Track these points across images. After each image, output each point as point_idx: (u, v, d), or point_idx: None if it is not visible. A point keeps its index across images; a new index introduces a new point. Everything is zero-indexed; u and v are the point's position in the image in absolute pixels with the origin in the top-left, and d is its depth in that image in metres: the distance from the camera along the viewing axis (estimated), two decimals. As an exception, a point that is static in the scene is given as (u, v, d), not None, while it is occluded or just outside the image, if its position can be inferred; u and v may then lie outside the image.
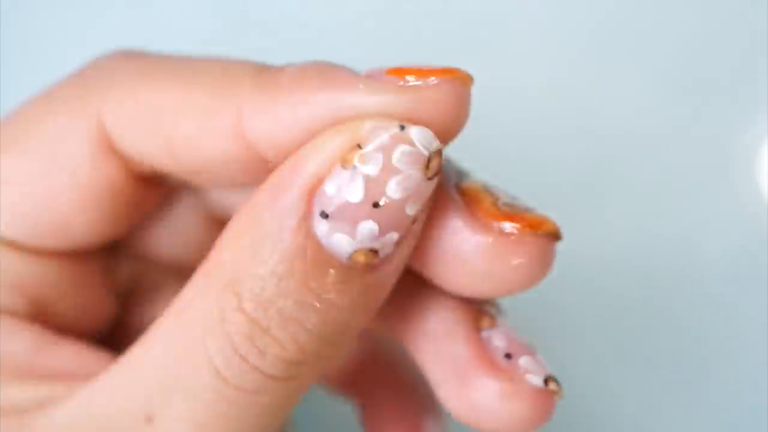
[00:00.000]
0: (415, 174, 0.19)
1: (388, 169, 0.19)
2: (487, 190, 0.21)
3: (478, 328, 0.22)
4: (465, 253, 0.21)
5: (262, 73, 0.21)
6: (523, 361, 0.22)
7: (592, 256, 0.38)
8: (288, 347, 0.19)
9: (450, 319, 0.22)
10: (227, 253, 0.20)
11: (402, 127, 0.19)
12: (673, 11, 0.38)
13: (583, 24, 0.39)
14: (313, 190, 0.19)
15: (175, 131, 0.22)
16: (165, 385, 0.20)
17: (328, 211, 0.19)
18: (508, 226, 0.20)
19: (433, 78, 0.19)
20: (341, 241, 0.19)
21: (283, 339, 0.19)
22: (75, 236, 0.24)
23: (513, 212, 0.21)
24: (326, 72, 0.20)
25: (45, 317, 0.25)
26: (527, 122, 0.39)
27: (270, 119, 0.20)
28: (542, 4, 0.39)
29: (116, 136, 0.23)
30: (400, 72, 0.19)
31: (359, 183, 0.19)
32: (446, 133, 0.19)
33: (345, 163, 0.19)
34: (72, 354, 0.24)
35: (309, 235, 0.19)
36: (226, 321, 0.19)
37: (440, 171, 0.19)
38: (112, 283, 0.27)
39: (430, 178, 0.19)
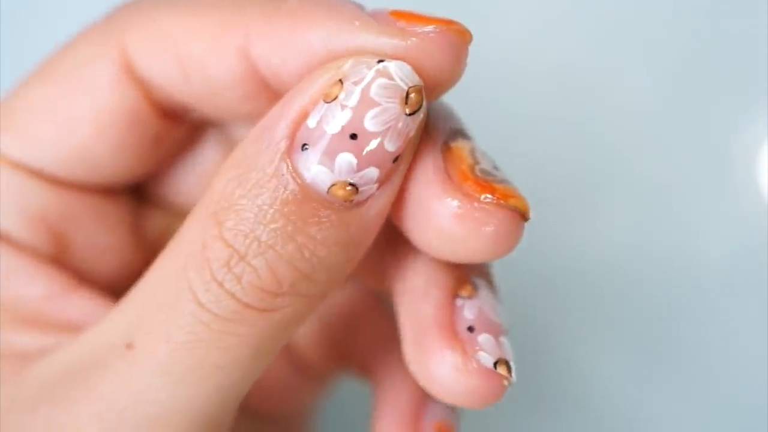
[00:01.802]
0: (393, 107, 0.19)
1: (365, 102, 0.19)
2: (471, 154, 0.21)
3: (454, 295, 0.23)
4: (432, 211, 0.21)
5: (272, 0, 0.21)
6: (483, 338, 0.22)
7: (591, 256, 0.38)
8: (262, 275, 0.20)
9: (431, 280, 0.23)
10: (217, 186, 0.20)
11: (381, 62, 0.19)
12: (673, 11, 0.38)
13: (581, 25, 0.39)
14: (298, 125, 0.20)
15: (187, 52, 0.23)
16: (146, 313, 0.21)
17: (308, 143, 0.19)
18: (477, 194, 0.21)
19: (433, 26, 0.20)
20: (320, 173, 0.19)
21: (258, 266, 0.20)
22: (98, 167, 0.25)
23: (486, 180, 0.21)
24: (328, 4, 0.20)
25: (66, 257, 0.25)
26: (527, 122, 0.39)
27: (271, 44, 0.21)
28: (541, 6, 0.39)
29: (136, 61, 0.24)
30: (401, 15, 0.20)
31: (338, 115, 0.19)
32: (438, 85, 0.20)
33: (327, 97, 0.19)
34: (86, 304, 0.24)
35: (290, 167, 0.19)
36: (206, 248, 0.20)
37: (421, 108, 0.19)
38: (141, 233, 0.27)
39: (409, 114, 0.19)
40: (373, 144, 0.19)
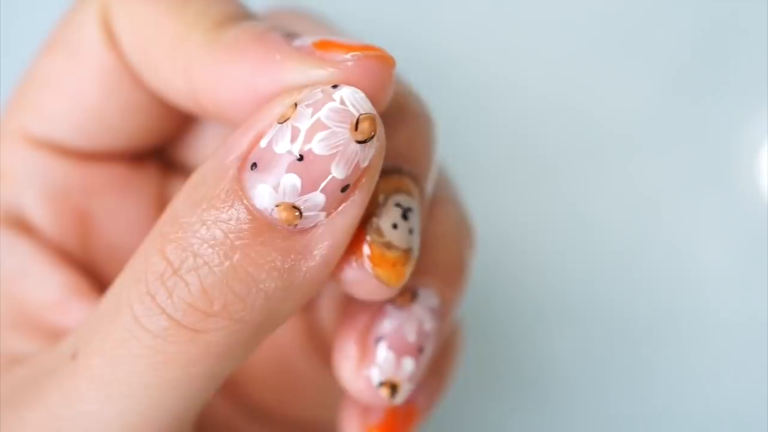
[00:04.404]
0: (342, 132, 0.19)
1: (315, 125, 0.19)
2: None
3: (392, 300, 0.23)
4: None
5: (222, 24, 0.21)
6: (382, 354, 0.22)
7: (591, 256, 0.38)
8: (194, 291, 0.19)
9: None
10: (173, 203, 0.20)
11: (335, 87, 0.19)
12: (672, 11, 0.38)
13: (581, 23, 0.39)
14: (252, 146, 0.19)
15: (148, 49, 0.23)
16: (91, 325, 0.21)
17: (257, 163, 0.19)
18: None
19: (351, 54, 0.20)
20: (264, 193, 0.19)
21: (191, 281, 0.19)
22: (113, 130, 0.25)
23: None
24: (256, 37, 0.20)
25: (90, 239, 0.25)
26: (527, 122, 0.38)
27: (204, 75, 0.21)
28: (540, 7, 0.39)
29: (114, 27, 0.24)
30: (323, 45, 0.20)
31: (287, 135, 0.19)
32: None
33: (281, 118, 0.19)
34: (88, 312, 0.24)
35: (237, 185, 0.19)
36: (146, 261, 0.20)
37: (374, 137, 0.19)
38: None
39: (360, 142, 0.19)
40: (319, 167, 0.19)
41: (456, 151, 0.26)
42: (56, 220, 0.25)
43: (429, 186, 0.23)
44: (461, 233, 0.25)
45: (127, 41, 0.23)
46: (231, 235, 0.19)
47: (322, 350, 0.28)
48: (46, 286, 0.24)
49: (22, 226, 0.25)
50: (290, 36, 0.21)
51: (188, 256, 0.19)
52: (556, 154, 0.38)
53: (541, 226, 0.38)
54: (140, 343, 0.20)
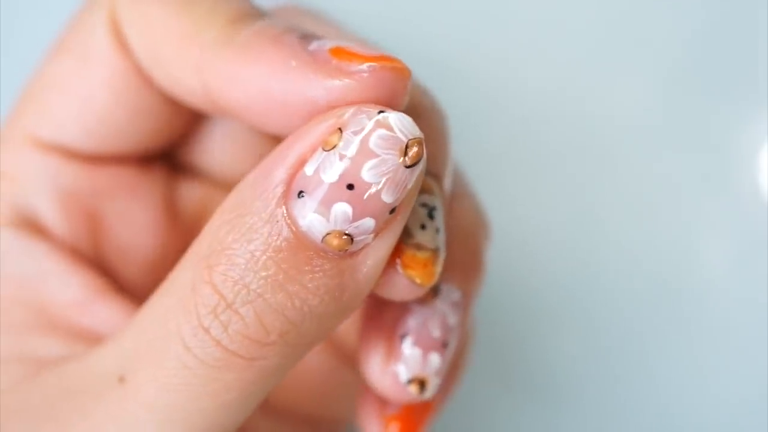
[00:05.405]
0: (391, 159, 0.19)
1: (364, 153, 0.19)
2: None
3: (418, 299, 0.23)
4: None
5: (235, 23, 0.21)
6: (409, 351, 0.23)
7: (591, 257, 0.38)
8: (250, 323, 0.19)
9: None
10: (210, 228, 0.20)
11: (381, 112, 0.19)
12: (672, 11, 0.38)
13: (582, 24, 0.39)
14: (295, 172, 0.19)
15: (157, 48, 0.23)
16: (138, 349, 0.21)
17: (305, 191, 0.19)
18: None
19: (367, 65, 0.20)
20: (315, 222, 0.19)
21: (246, 315, 0.19)
22: (121, 133, 0.25)
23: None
24: (273, 40, 0.20)
25: (101, 241, 0.25)
26: (526, 122, 0.39)
27: (216, 75, 0.21)
28: (542, 8, 0.39)
29: (123, 29, 0.24)
30: (339, 53, 0.20)
31: (335, 164, 0.19)
32: None
33: (326, 145, 0.19)
34: (110, 313, 0.24)
35: (285, 214, 0.19)
36: (195, 292, 0.20)
37: (421, 161, 0.19)
38: (175, 210, 0.27)
39: (408, 166, 0.19)
40: (370, 195, 0.19)
41: (461, 149, 0.26)
42: (68, 222, 0.25)
43: (447, 182, 0.23)
44: (478, 226, 0.25)
45: (137, 42, 0.23)
46: (283, 266, 0.19)
47: (336, 349, 0.28)
48: (67, 287, 0.24)
49: (36, 229, 0.25)
50: (306, 38, 0.20)
51: (241, 289, 0.19)
52: (560, 153, 0.38)
53: (546, 224, 0.38)
54: (195, 373, 0.20)
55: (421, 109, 0.23)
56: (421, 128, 0.21)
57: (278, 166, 0.19)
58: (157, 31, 0.22)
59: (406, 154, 0.19)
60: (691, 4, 0.38)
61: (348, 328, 0.28)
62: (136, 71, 0.24)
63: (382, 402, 0.24)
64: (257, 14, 0.22)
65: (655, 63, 0.38)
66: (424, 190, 0.21)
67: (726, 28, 0.38)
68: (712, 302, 0.38)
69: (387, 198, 0.19)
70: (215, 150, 0.27)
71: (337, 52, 0.20)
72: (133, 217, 0.26)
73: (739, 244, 0.38)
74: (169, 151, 0.27)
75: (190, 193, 0.27)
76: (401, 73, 0.20)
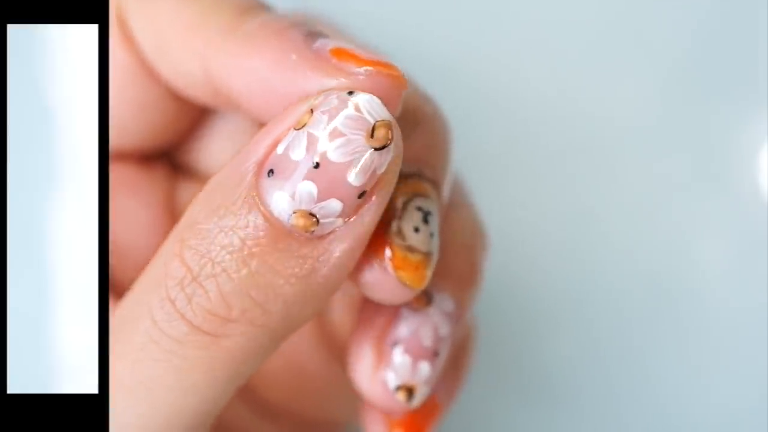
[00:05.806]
0: (358, 139, 0.19)
1: (331, 132, 0.19)
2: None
3: (408, 303, 0.23)
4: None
5: (241, 14, 0.21)
6: (398, 358, 0.23)
7: (590, 257, 0.38)
8: (212, 298, 0.19)
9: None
10: (191, 207, 0.20)
11: (350, 93, 0.19)
12: (672, 11, 0.38)
13: (581, 25, 0.39)
14: (270, 152, 0.20)
15: (163, 39, 0.23)
16: (114, 327, 0.21)
17: (274, 169, 0.19)
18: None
19: (365, 68, 0.20)
20: (280, 200, 0.19)
21: (209, 288, 0.19)
22: (125, 129, 0.25)
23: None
24: (277, 32, 0.20)
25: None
26: (526, 122, 0.39)
27: (221, 65, 0.21)
28: (542, 8, 0.39)
29: (128, 22, 0.24)
30: (340, 53, 0.20)
31: (303, 142, 0.19)
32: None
33: (297, 125, 0.19)
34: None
35: (254, 192, 0.19)
36: (165, 265, 0.20)
37: (390, 145, 0.19)
38: (176, 211, 0.27)
39: (376, 149, 0.19)
40: (335, 175, 0.19)
41: (461, 150, 0.26)
42: None
43: (445, 189, 0.23)
44: (475, 237, 0.25)
45: (143, 33, 0.23)
46: (248, 242, 0.19)
47: (333, 349, 0.28)
48: None
49: None
50: (311, 35, 0.21)
51: (207, 262, 0.19)
52: (559, 154, 0.38)
53: (546, 224, 0.38)
54: (160, 348, 0.20)
55: (422, 116, 0.23)
56: (421, 136, 0.21)
57: (255, 148, 0.20)
58: (163, 21, 0.23)
59: (372, 136, 0.19)
60: (690, 5, 0.38)
61: (348, 330, 0.27)
62: (140, 65, 0.24)
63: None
64: (263, 7, 0.22)
65: (655, 63, 0.38)
66: (420, 193, 0.21)
67: (726, 28, 0.38)
68: (711, 303, 0.38)
69: (354, 180, 0.19)
70: (215, 150, 0.27)
71: (338, 52, 0.20)
72: (133, 215, 0.26)
73: (739, 244, 0.38)
74: (170, 150, 0.27)
75: (190, 193, 0.27)
76: (397, 80, 0.20)
